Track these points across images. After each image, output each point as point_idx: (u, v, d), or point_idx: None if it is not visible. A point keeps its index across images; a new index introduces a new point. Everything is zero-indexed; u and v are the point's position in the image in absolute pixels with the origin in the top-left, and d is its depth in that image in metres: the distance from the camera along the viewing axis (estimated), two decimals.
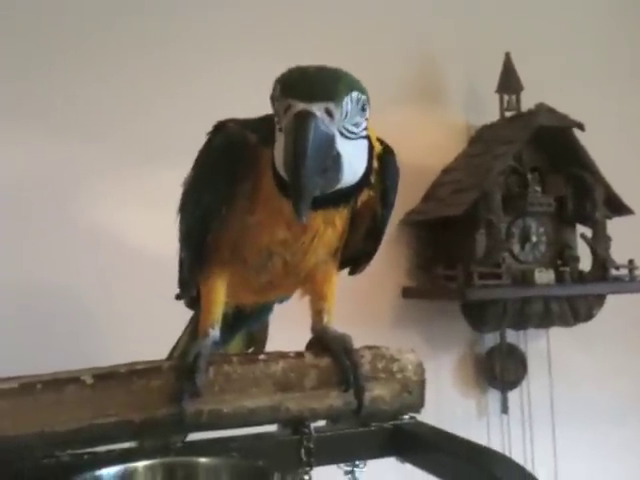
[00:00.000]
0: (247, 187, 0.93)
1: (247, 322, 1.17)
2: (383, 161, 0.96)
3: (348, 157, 0.84)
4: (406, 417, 1.01)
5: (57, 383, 0.86)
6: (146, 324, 1.56)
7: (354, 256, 1.07)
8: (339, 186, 0.86)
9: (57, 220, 1.65)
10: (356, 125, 0.85)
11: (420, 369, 1.00)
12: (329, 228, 0.95)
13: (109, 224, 1.67)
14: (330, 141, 0.82)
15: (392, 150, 0.98)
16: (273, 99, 0.86)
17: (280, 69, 0.86)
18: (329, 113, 0.81)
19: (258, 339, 1.26)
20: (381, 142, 0.97)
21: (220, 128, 0.97)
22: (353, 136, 0.85)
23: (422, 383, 1.00)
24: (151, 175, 1.68)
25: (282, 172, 0.85)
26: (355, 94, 0.83)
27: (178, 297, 1.16)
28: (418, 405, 1.00)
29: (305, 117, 0.80)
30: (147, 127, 1.71)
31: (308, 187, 0.80)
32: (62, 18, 1.69)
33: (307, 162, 0.78)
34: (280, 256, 0.97)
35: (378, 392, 0.97)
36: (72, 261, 1.64)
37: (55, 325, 1.61)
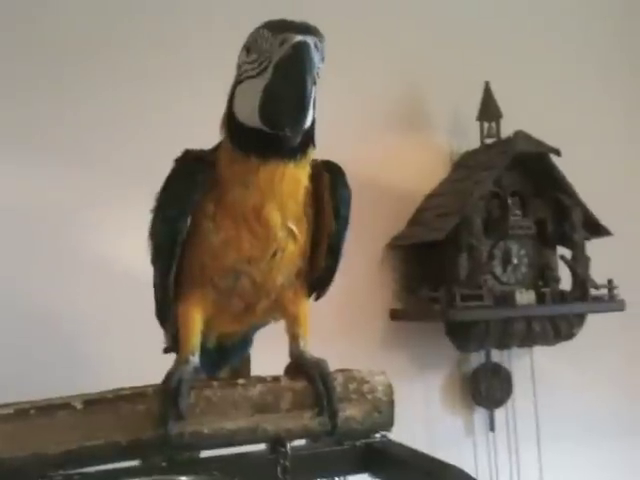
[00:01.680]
0: (209, 206, 0.97)
1: (230, 357, 1.20)
2: (332, 179, 1.01)
3: (313, 101, 0.89)
4: (378, 435, 1.08)
5: (49, 408, 0.92)
6: (138, 349, 1.54)
7: (320, 278, 1.08)
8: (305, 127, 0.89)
9: (50, 248, 1.67)
10: (318, 73, 0.89)
11: (389, 390, 1.05)
12: (290, 241, 0.98)
13: (105, 252, 1.70)
14: (317, 74, 0.88)
15: (341, 169, 1.04)
16: (251, 47, 0.91)
17: None
18: (317, 48, 0.87)
19: (241, 375, 1.24)
20: (329, 163, 1.03)
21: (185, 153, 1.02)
22: (316, 80, 0.89)
23: (391, 403, 1.04)
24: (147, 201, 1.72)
25: (251, 121, 0.89)
26: (324, 42, 0.89)
27: (166, 350, 1.18)
28: (388, 424, 1.05)
29: (306, 45, 0.86)
30: (144, 153, 1.72)
31: (309, 104, 0.86)
32: (43, 46, 1.72)
33: (310, 81, 0.85)
34: (247, 275, 0.99)
35: (350, 412, 1.02)
36: (65, 288, 1.66)
37: (44, 352, 1.62)
